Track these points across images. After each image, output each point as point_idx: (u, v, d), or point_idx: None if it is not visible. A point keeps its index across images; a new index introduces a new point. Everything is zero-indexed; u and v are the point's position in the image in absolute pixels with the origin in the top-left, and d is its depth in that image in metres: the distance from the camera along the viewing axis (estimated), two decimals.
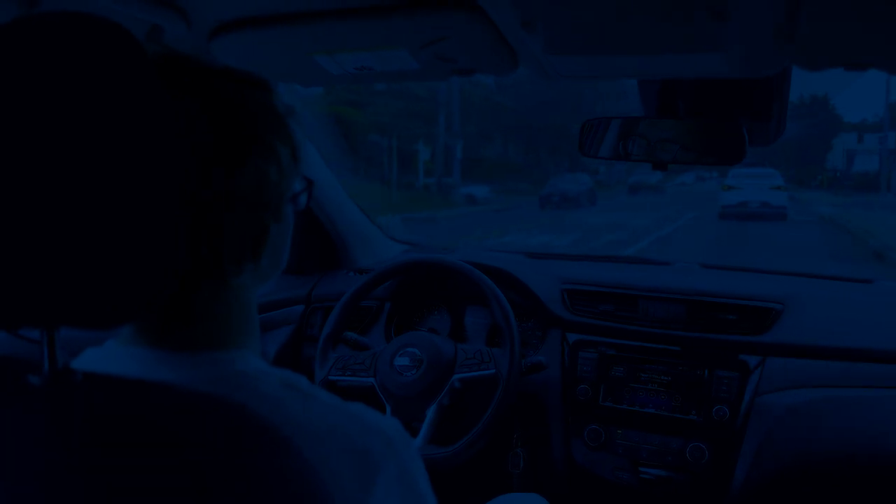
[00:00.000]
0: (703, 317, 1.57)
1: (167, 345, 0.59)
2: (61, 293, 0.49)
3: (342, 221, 1.97)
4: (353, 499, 0.56)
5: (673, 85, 1.15)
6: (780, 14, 0.77)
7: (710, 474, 1.48)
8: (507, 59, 0.96)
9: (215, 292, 0.61)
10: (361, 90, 21.78)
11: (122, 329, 0.62)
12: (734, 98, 1.15)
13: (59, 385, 0.53)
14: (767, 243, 12.99)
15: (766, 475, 1.42)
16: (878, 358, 1.44)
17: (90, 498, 0.47)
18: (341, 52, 1.01)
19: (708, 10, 0.77)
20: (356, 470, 0.57)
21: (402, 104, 24.45)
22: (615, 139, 1.28)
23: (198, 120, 0.56)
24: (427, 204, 20.37)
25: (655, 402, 1.54)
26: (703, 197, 24.45)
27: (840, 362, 1.45)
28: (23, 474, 0.48)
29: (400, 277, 1.77)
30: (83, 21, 0.48)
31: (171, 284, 0.53)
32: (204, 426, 0.51)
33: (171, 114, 0.50)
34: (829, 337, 1.49)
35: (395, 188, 22.46)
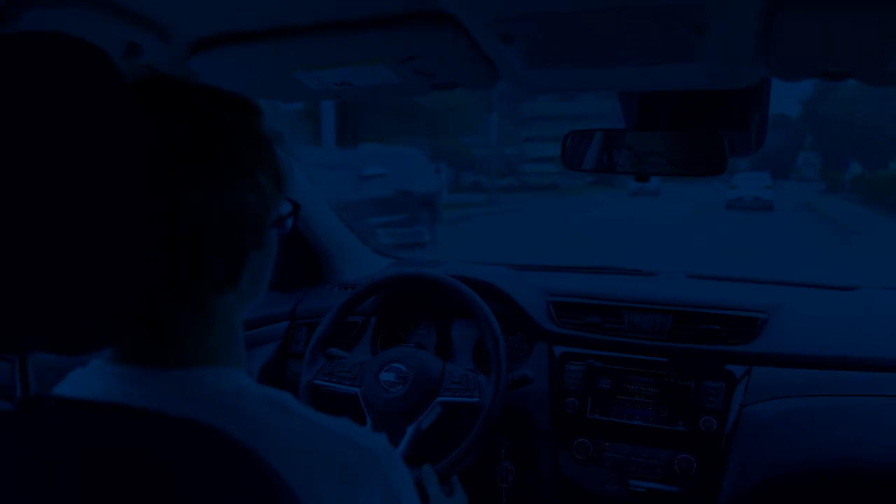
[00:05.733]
0: (689, 327, 1.57)
1: (150, 363, 0.59)
2: (32, 319, 0.48)
3: (326, 237, 1.96)
4: None
5: (653, 97, 1.15)
6: (757, 25, 0.77)
7: (698, 486, 1.47)
8: (487, 73, 0.96)
9: (196, 312, 0.61)
10: None
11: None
12: (714, 109, 1.16)
13: (31, 411, 0.52)
14: None
15: (754, 486, 1.42)
16: (863, 366, 1.44)
17: None
18: (321, 67, 1.01)
19: (686, 21, 0.77)
20: (338, 487, 0.56)
21: None
22: (599, 151, 1.28)
23: (175, 143, 0.56)
24: None
25: (643, 414, 1.54)
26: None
27: (825, 371, 1.45)
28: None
29: (386, 292, 1.76)
30: (57, 41, 0.47)
31: (143, 308, 0.52)
32: (177, 452, 0.51)
33: (145, 136, 0.49)
34: (813, 345, 1.49)
35: None
